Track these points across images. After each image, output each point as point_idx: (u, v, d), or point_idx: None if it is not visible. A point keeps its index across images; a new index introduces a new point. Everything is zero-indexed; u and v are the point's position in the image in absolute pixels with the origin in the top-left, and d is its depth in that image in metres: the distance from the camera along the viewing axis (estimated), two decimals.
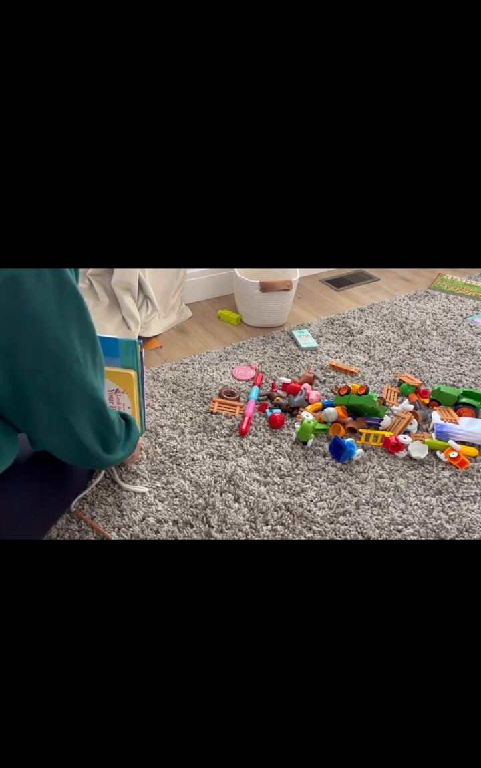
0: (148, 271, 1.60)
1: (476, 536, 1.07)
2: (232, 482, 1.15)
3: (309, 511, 1.10)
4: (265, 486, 1.15)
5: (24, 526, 0.88)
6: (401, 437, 1.25)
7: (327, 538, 1.05)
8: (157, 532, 1.04)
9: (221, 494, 1.12)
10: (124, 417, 0.96)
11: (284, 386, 1.42)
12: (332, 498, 1.13)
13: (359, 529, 1.07)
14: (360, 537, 1.05)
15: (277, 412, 1.31)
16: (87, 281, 1.62)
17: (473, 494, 1.16)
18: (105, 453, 0.87)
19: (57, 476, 0.97)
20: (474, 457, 1.26)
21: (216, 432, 1.29)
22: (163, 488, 1.13)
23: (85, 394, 0.74)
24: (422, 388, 1.48)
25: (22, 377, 0.69)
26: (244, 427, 1.28)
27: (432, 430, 1.32)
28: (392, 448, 1.24)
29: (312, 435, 1.25)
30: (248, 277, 1.76)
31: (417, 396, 1.42)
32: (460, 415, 1.36)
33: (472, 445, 1.28)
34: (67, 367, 0.70)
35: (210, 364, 1.54)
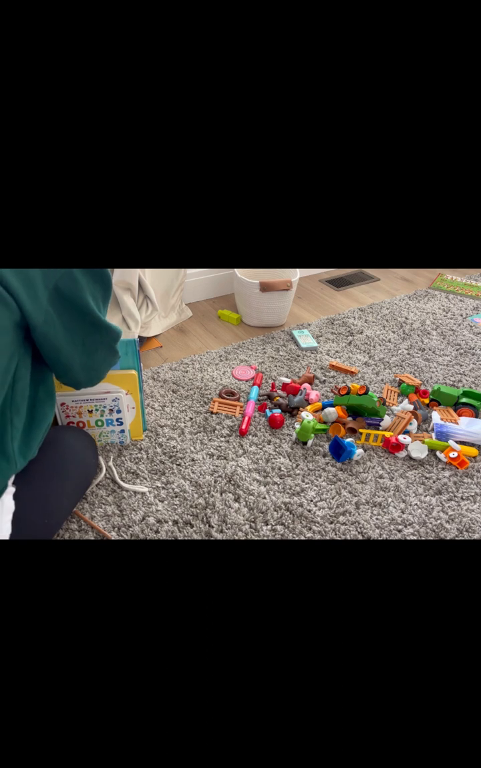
0: (148, 271, 1.60)
1: (476, 536, 1.07)
2: (232, 482, 1.15)
3: (309, 511, 1.10)
4: (265, 486, 1.15)
5: (39, 531, 0.88)
6: (401, 437, 1.25)
7: (327, 538, 1.05)
8: (157, 532, 1.04)
9: (221, 494, 1.12)
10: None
11: (284, 386, 1.42)
12: (332, 498, 1.13)
13: (359, 529, 1.07)
14: (360, 537, 1.05)
15: (277, 412, 1.31)
16: None
17: (473, 494, 1.16)
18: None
19: (68, 480, 0.97)
20: (474, 457, 1.26)
21: (216, 432, 1.29)
22: (163, 488, 1.13)
23: (104, 332, 0.85)
24: (422, 388, 1.48)
25: (64, 337, 0.78)
26: (244, 427, 1.28)
27: (432, 430, 1.32)
28: (392, 448, 1.24)
29: (312, 435, 1.25)
30: (248, 277, 1.76)
31: (417, 396, 1.42)
32: (460, 415, 1.36)
33: (472, 445, 1.28)
34: (102, 328, 0.82)
35: (210, 364, 1.54)
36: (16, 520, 0.82)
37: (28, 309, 0.68)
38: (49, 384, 0.87)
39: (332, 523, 1.08)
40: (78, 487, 1.01)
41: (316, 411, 1.36)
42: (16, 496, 0.84)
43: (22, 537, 0.84)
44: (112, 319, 1.58)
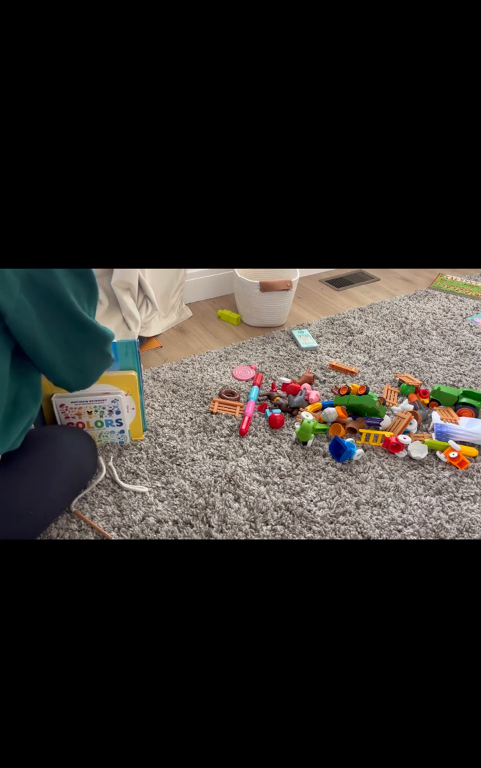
0: (148, 271, 1.60)
1: (476, 536, 1.07)
2: (232, 482, 1.15)
3: (309, 511, 1.10)
4: (265, 486, 1.15)
5: (23, 522, 0.88)
6: (401, 437, 1.25)
7: (327, 538, 1.05)
8: (157, 532, 1.04)
9: (221, 494, 1.12)
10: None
11: (284, 386, 1.42)
12: (332, 498, 1.13)
13: (359, 529, 1.07)
14: (360, 537, 1.05)
15: (277, 412, 1.31)
16: None
17: (473, 494, 1.16)
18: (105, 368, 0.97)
19: (60, 476, 0.97)
20: (474, 457, 1.26)
21: (216, 432, 1.29)
22: (163, 488, 1.13)
23: (90, 332, 0.84)
24: (422, 388, 1.48)
25: (41, 329, 0.77)
26: (244, 427, 1.28)
27: (432, 430, 1.32)
28: (392, 448, 1.24)
29: (312, 435, 1.25)
30: (248, 277, 1.76)
31: (417, 396, 1.42)
32: (460, 415, 1.36)
33: (472, 445, 1.28)
34: (86, 325, 0.80)
35: (210, 364, 1.54)
36: (1, 504, 0.84)
37: None
38: (35, 383, 0.86)
39: (332, 523, 1.08)
40: (71, 485, 1.01)
41: (316, 411, 1.36)
42: (1, 480, 0.85)
43: (4, 524, 0.84)
44: (111, 319, 1.58)
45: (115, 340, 1.06)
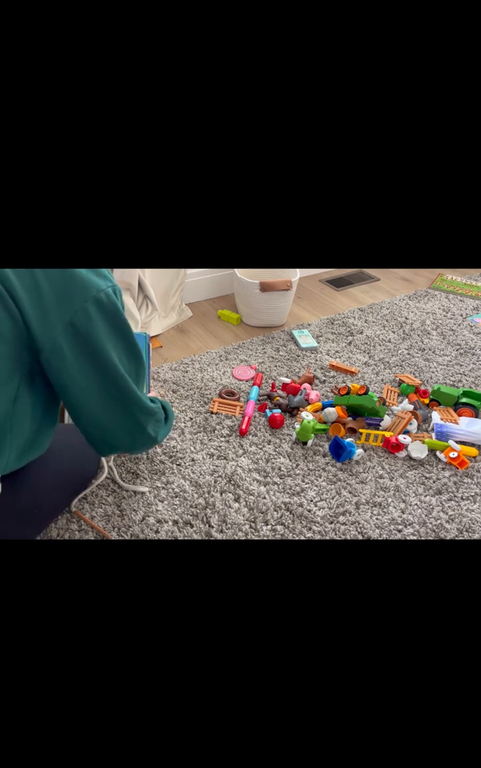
0: (148, 271, 1.60)
1: (476, 536, 1.07)
2: (233, 482, 1.15)
3: (309, 511, 1.10)
4: (265, 486, 1.15)
5: (23, 522, 0.88)
6: (401, 437, 1.25)
7: (327, 538, 1.05)
8: (157, 532, 1.04)
9: (221, 494, 1.12)
10: (162, 406, 1.01)
11: (284, 386, 1.42)
12: (332, 498, 1.13)
13: (359, 529, 1.07)
14: (360, 537, 1.05)
15: (277, 412, 1.31)
16: None
17: (473, 494, 1.16)
18: (151, 441, 0.92)
19: (62, 474, 0.97)
20: (474, 457, 1.26)
21: (216, 432, 1.29)
22: (163, 488, 1.13)
23: (134, 404, 0.82)
24: (422, 388, 1.48)
25: (83, 394, 0.76)
26: (244, 427, 1.28)
27: (432, 430, 1.32)
28: (392, 448, 1.24)
29: (312, 435, 1.25)
30: (248, 277, 1.76)
31: (417, 396, 1.42)
32: (460, 415, 1.36)
33: (472, 445, 1.28)
34: (119, 382, 0.77)
35: (210, 364, 1.54)
36: (2, 504, 0.83)
37: (36, 330, 0.67)
38: (53, 423, 0.85)
39: (332, 523, 1.08)
40: (73, 483, 1.01)
41: (316, 411, 1.36)
42: (3, 480, 0.84)
43: (8, 521, 0.84)
44: None
45: None
